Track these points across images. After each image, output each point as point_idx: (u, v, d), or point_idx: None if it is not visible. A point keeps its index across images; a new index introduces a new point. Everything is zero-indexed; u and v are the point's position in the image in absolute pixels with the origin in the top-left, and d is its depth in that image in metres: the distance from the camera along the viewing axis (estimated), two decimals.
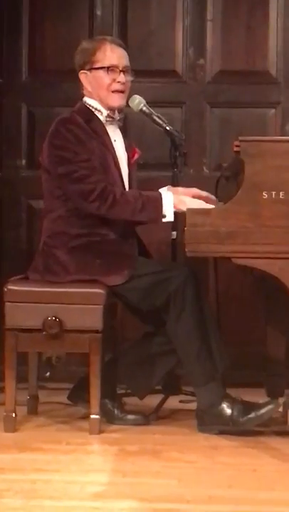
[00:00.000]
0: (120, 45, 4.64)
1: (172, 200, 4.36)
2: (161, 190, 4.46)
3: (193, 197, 4.37)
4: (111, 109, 4.57)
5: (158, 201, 4.38)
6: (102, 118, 4.58)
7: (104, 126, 4.57)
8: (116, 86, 4.54)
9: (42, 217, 4.64)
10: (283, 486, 3.57)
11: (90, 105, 4.59)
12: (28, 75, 5.69)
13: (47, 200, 4.59)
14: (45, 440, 4.22)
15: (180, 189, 4.46)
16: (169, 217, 4.38)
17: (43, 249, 4.54)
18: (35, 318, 4.33)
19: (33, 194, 5.45)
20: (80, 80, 4.61)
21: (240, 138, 3.92)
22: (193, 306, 4.35)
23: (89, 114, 4.57)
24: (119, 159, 4.59)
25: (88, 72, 4.57)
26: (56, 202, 4.53)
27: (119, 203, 4.39)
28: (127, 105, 4.64)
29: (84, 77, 4.58)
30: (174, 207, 4.36)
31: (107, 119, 4.58)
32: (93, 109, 4.58)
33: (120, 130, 4.67)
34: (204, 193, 4.41)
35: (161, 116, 4.67)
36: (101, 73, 4.55)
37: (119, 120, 4.65)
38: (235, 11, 5.65)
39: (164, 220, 4.39)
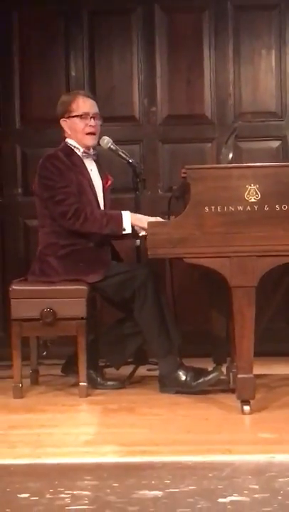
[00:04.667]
0: (90, 97, 4.67)
1: (130, 217, 4.41)
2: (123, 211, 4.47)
3: None
4: (86, 147, 4.62)
5: (119, 218, 4.41)
6: (79, 153, 4.60)
7: (82, 160, 4.60)
8: (88, 129, 4.57)
9: (37, 232, 4.66)
10: (229, 430, 3.63)
11: (70, 144, 4.62)
12: (21, 124, 5.70)
13: (40, 218, 4.60)
14: (45, 403, 4.25)
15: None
16: (128, 229, 4.40)
17: (39, 256, 4.56)
18: (34, 310, 4.34)
19: (28, 215, 5.47)
20: (61, 126, 4.64)
21: (186, 166, 3.92)
22: (153, 297, 4.38)
23: (69, 150, 4.59)
24: (94, 184, 4.62)
25: (67, 120, 4.60)
26: (46, 220, 4.54)
27: (89, 220, 4.41)
28: (99, 144, 4.69)
29: (64, 123, 4.61)
30: (132, 222, 4.40)
31: (84, 154, 4.61)
32: (73, 147, 4.60)
33: (95, 162, 4.69)
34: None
35: (124, 152, 4.71)
36: (76, 120, 4.57)
37: (94, 155, 4.67)
38: (177, 69, 5.68)
39: (124, 232, 4.40)
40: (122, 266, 4.57)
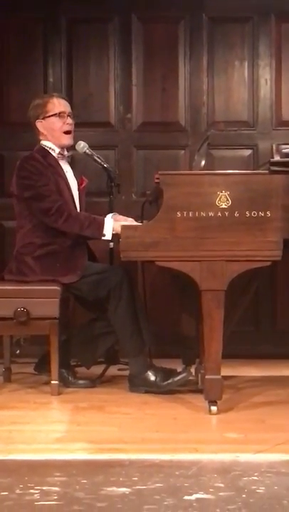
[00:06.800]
0: (64, 98, 4.70)
1: (112, 225, 4.37)
2: (107, 216, 4.45)
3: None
4: (63, 147, 4.60)
5: (101, 223, 4.37)
6: (55, 155, 4.60)
7: (57, 161, 4.59)
8: (66, 127, 4.58)
9: (15, 232, 4.63)
10: (196, 429, 3.63)
11: (45, 146, 4.61)
12: None
13: (18, 219, 4.58)
14: (18, 400, 4.22)
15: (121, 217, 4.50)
16: (108, 236, 4.37)
17: (16, 256, 4.54)
18: (8, 309, 4.31)
19: (3, 216, 5.45)
20: (36, 128, 4.63)
21: (159, 172, 3.92)
22: (128, 297, 4.38)
23: (45, 152, 4.59)
24: (70, 185, 4.61)
25: (43, 121, 4.60)
26: (25, 220, 4.53)
27: (72, 218, 4.40)
28: (74, 149, 4.69)
29: (40, 124, 4.60)
30: (113, 230, 4.35)
31: (59, 155, 4.61)
32: (48, 149, 4.60)
33: (69, 164, 4.69)
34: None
35: (100, 157, 4.72)
36: (54, 119, 4.58)
37: (68, 157, 4.68)
38: (152, 77, 5.69)
39: (103, 238, 4.38)
40: (98, 266, 4.56)
